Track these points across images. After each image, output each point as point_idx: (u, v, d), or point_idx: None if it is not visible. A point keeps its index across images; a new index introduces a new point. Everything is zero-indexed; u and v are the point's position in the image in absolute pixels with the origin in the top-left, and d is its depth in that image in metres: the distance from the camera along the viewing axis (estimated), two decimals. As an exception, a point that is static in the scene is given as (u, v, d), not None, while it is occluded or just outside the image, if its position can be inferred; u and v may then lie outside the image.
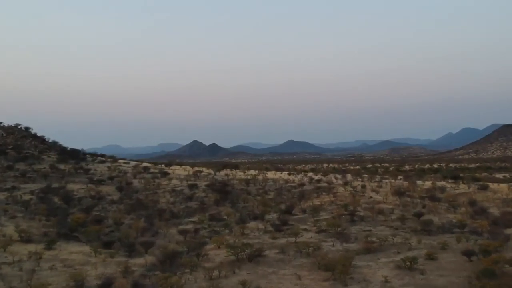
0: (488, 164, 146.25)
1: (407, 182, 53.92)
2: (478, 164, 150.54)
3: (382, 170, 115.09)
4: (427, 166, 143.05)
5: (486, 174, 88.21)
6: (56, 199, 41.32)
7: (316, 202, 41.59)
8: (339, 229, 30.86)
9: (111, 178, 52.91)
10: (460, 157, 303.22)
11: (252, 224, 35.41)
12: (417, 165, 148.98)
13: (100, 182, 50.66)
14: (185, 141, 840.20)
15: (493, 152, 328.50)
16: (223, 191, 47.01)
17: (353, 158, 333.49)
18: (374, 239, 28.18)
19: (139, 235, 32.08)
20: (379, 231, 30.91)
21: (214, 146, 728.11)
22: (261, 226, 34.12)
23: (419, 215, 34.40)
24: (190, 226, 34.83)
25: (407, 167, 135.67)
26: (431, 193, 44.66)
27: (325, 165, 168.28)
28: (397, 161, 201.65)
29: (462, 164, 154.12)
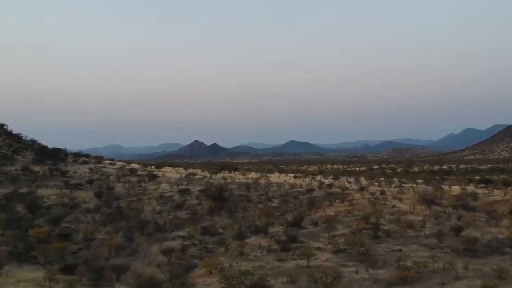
0: (501, 165, 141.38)
1: (431, 188, 48.79)
2: (490, 165, 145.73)
3: (390, 171, 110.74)
4: (436, 167, 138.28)
5: (504, 176, 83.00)
6: (20, 208, 36.23)
7: (330, 211, 36.44)
8: (361, 248, 25.77)
9: (90, 182, 47.79)
10: (466, 158, 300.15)
11: (252, 239, 30.35)
12: (425, 166, 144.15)
13: (77, 186, 45.55)
14: (186, 141, 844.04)
15: (499, 153, 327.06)
16: (219, 197, 41.90)
17: (356, 159, 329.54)
18: (408, 263, 23.10)
19: (113, 255, 27.01)
20: (412, 251, 25.81)
21: (215, 146, 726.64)
22: (263, 242, 29.02)
23: (457, 230, 29.26)
24: (177, 243, 29.74)
25: (416, 169, 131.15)
26: (463, 201, 39.51)
27: (328, 165, 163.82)
28: (402, 162, 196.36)
29: (473, 165, 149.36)
